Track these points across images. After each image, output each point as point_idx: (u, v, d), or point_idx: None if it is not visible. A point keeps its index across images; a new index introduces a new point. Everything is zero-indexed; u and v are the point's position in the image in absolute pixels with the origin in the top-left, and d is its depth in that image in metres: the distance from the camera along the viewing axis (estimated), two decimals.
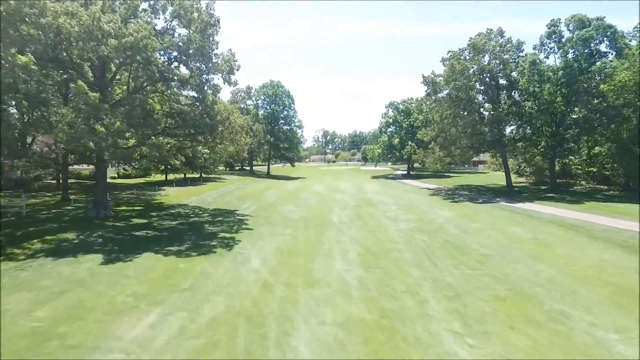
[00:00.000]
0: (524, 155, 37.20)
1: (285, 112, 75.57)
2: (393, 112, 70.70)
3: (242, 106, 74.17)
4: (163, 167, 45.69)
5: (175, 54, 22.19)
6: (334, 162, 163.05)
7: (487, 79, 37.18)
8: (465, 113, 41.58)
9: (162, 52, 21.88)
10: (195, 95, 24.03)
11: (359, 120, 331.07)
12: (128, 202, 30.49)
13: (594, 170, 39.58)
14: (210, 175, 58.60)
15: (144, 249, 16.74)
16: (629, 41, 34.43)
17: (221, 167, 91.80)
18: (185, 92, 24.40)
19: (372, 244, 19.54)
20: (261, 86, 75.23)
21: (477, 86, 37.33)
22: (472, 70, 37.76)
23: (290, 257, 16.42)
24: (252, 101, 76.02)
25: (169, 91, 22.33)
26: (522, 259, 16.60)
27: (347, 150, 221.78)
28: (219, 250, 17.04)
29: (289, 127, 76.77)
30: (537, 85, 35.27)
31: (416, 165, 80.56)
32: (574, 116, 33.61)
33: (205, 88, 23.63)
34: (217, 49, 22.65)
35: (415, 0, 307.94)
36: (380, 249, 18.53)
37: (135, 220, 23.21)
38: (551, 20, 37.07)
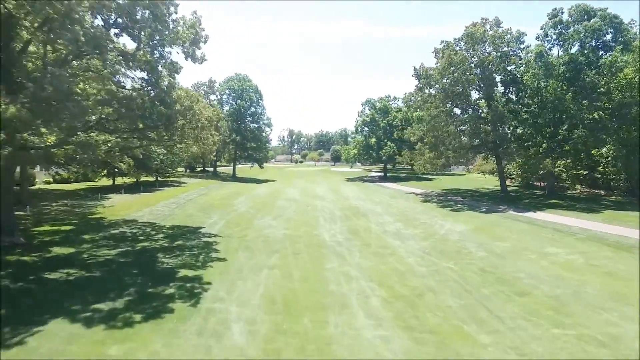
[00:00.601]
0: (526, 157, 33.68)
1: (253, 109, 69.09)
2: (370, 110, 66.45)
3: (204, 101, 66.78)
4: (106, 171, 38.00)
5: (114, 17, 15.84)
6: (301, 162, 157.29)
7: (487, 73, 33.45)
8: (459, 111, 37.77)
9: (96, 14, 15.50)
10: (146, 77, 17.72)
11: (325, 120, 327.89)
12: (55, 219, 23.29)
13: (597, 174, 36.96)
14: (169, 179, 51.24)
15: (53, 312, 10.51)
16: (635, 33, 31.89)
17: (180, 169, 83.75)
18: (131, 74, 17.96)
19: (392, 280, 14.47)
20: (225, 80, 68.23)
21: (476, 80, 33.50)
22: (471, 62, 33.91)
23: (290, 316, 10.91)
24: (216, 96, 68.85)
25: (106, 70, 15.90)
26: (605, 301, 12.25)
27: (313, 150, 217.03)
28: (178, 307, 11.15)
29: (257, 125, 70.36)
30: (544, 80, 31.93)
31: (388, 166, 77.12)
32: (582, 115, 30.51)
33: (160, 68, 17.43)
34: (176, 12, 16.54)
35: (383, 1, 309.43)
36: (407, 289, 13.53)
37: (56, 251, 16.49)
38: (553, 10, 34.02)
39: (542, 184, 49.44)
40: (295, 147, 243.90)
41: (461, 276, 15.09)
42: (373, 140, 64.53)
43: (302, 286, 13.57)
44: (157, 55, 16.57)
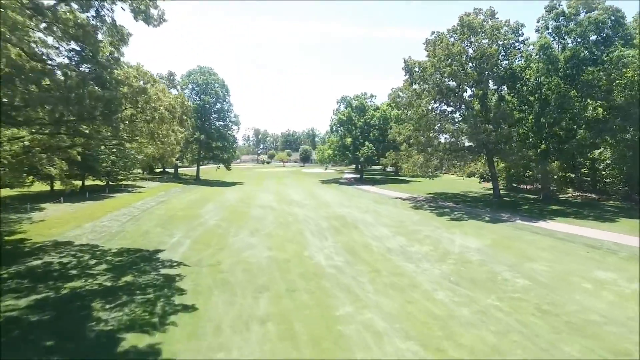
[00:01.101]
0: (525, 159, 30.98)
1: (218, 105, 63.01)
2: (346, 108, 62.61)
3: (163, 84, 60.09)
4: (32, 177, 31.06)
5: None
6: (268, 163, 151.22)
7: (487, 66, 30.40)
8: (449, 109, 34.65)
9: None
10: (78, 47, 12.40)
11: (292, 120, 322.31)
12: None
13: (586, 177, 35.12)
14: (121, 183, 44.53)
15: None
16: (634, 28, 30.07)
17: (137, 171, 75.80)
18: (57, 43, 12.50)
19: (435, 334, 10.38)
20: (188, 73, 61.68)
21: (475, 74, 30.32)
22: (467, 54, 30.77)
23: None
24: (177, 91, 62.13)
25: (10, 35, 10.47)
26: None
27: (279, 150, 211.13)
28: None
29: (223, 123, 64.39)
30: (547, 76, 29.33)
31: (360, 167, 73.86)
32: (586, 114, 28.21)
33: (100, 35, 12.23)
34: None
35: (347, 1, 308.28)
36: (465, 352, 9.40)
37: None
38: (550, 2, 31.59)
39: (529, 187, 47.82)
40: (261, 146, 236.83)
41: (520, 322, 11.28)
42: (349, 140, 60.73)
43: (316, 357, 9.07)
44: (93, 13, 11.37)
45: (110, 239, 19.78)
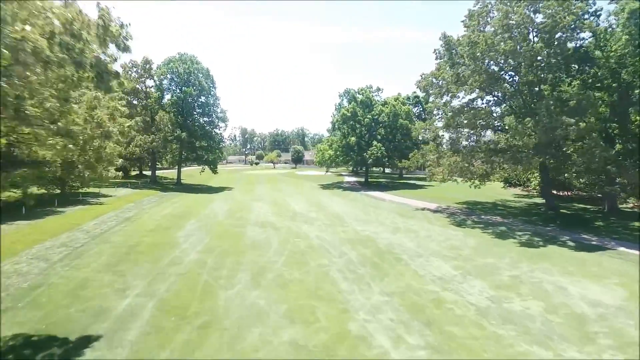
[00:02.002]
0: (604, 160, 23.82)
1: (203, 99, 54.50)
2: (349, 103, 54.93)
3: (138, 87, 51.14)
4: None
5: None
6: (256, 164, 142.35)
7: (557, 43, 23.17)
8: (492, 98, 27.34)
9: None
10: None
11: (280, 119, 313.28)
12: None
13: None
14: (81, 191, 35.86)
15: None
16: None
17: (112, 174, 66.46)
18: None
19: None
20: (167, 61, 52.97)
21: (544, 52, 23.03)
22: (536, 22, 23.41)
23: None
24: (155, 81, 53.38)
25: None
26: None
27: (267, 150, 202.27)
28: None
29: (208, 119, 55.88)
30: (632, 53, 22.27)
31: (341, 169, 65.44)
32: None
33: None
34: None
35: (332, 1, 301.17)
36: None
37: None
38: None
39: (568, 193, 41.10)
40: (248, 146, 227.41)
41: None
42: (353, 139, 53.04)
43: None
44: None
45: (7, 308, 11.45)
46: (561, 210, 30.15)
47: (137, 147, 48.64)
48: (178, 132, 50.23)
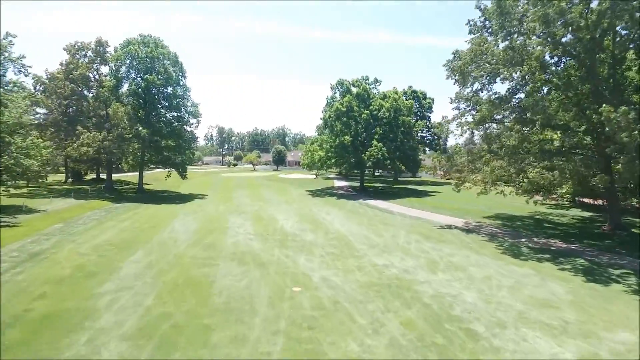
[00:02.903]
0: None
1: (170, 90, 45.69)
2: (342, 95, 47.30)
3: (89, 75, 41.82)
4: None
5: None
6: (235, 165, 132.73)
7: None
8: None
9: None
10: None
11: (259, 118, 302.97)
12: None
13: None
14: (10, 202, 26.79)
15: None
16: None
17: (59, 178, 56.38)
18: None
19: None
20: (125, 43, 43.79)
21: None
22: None
23: None
24: (110, 68, 44.09)
25: None
26: None
27: (247, 150, 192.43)
28: None
29: (177, 114, 47.07)
30: None
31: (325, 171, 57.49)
32: None
33: None
34: None
35: (311, 2, 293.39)
36: None
37: None
38: None
39: (595, 201, 34.88)
40: (226, 147, 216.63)
41: None
42: (348, 138, 45.46)
43: None
44: None
45: None
46: (632, 230, 23.52)
47: (86, 146, 39.43)
48: (139, 129, 41.24)
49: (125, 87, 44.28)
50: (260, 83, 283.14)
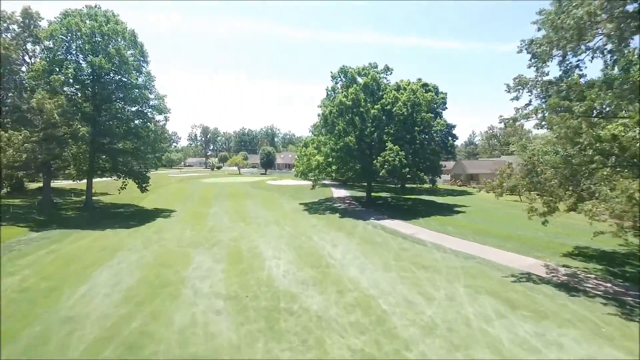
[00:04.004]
0: None
1: (126, 78, 35.62)
2: (347, 87, 37.79)
3: (13, 56, 31.45)
4: None
5: None
6: (219, 168, 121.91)
7: None
8: None
9: None
10: None
11: (246, 118, 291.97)
12: None
13: None
14: None
15: None
16: None
17: None
18: None
19: None
20: (63, 15, 33.50)
21: None
22: None
23: None
24: (41, 47, 33.57)
25: None
26: None
27: (233, 151, 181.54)
28: None
29: (138, 109, 37.03)
30: None
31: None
32: None
33: None
34: None
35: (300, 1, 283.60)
36: None
37: None
38: None
39: None
40: (211, 147, 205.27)
41: None
42: (351, 139, 36.07)
43: None
44: None
45: None
46: None
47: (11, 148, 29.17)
48: (82, 128, 31.05)
49: (68, 70, 33.80)
50: (248, 81, 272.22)
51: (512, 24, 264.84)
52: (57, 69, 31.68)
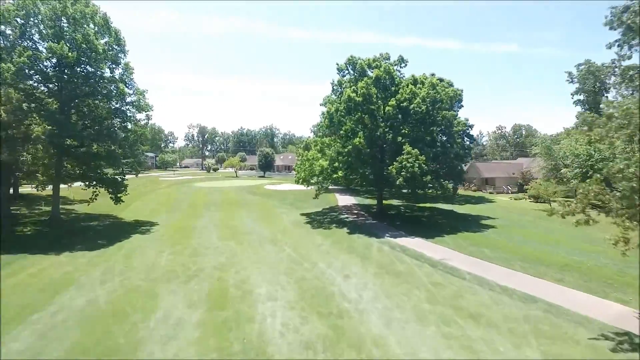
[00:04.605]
0: None
1: (95, 68, 30.25)
2: (356, 80, 32.61)
3: None
4: None
5: None
6: (215, 170, 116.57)
7: None
8: None
9: None
10: None
11: (244, 117, 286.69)
12: None
13: None
14: None
15: None
16: None
17: None
18: None
19: None
20: None
21: None
22: None
23: None
24: None
25: None
26: None
27: (231, 152, 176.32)
28: None
29: (108, 106, 31.84)
30: None
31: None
32: None
33: None
34: None
35: (298, 1, 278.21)
36: None
37: None
38: None
39: None
40: (209, 148, 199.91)
41: None
42: (360, 141, 30.90)
43: None
44: None
45: None
46: None
47: None
48: (28, 126, 25.82)
49: (19, 57, 28.50)
50: (246, 81, 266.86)
51: (511, 24, 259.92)
52: (12, 55, 26.41)
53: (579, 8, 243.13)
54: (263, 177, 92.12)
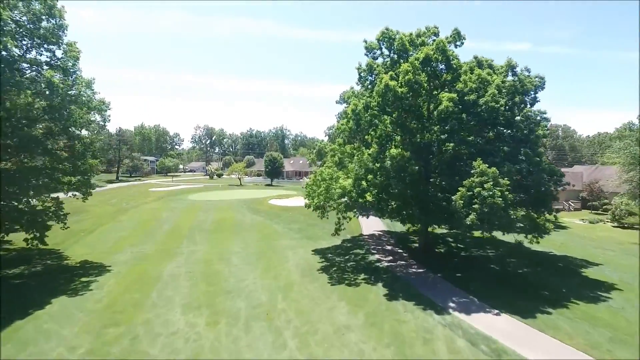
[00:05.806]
0: None
1: (29, 53, 21.04)
2: (393, 63, 22.43)
3: None
4: None
5: None
6: (219, 176, 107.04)
7: None
8: None
9: None
10: None
11: (254, 118, 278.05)
12: None
13: None
14: None
15: None
16: None
17: None
18: None
19: None
20: None
21: None
22: None
23: None
24: None
25: None
26: None
27: (240, 154, 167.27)
28: None
29: (47, 102, 22.51)
30: None
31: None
32: None
33: None
34: None
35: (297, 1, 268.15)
36: None
37: None
38: None
39: None
40: (217, 150, 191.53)
41: None
42: (400, 153, 20.59)
43: None
44: None
45: None
46: None
47: None
48: None
49: None
50: (257, 81, 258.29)
51: (512, 24, 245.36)
52: None
53: (590, 6, 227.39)
54: (270, 185, 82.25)
